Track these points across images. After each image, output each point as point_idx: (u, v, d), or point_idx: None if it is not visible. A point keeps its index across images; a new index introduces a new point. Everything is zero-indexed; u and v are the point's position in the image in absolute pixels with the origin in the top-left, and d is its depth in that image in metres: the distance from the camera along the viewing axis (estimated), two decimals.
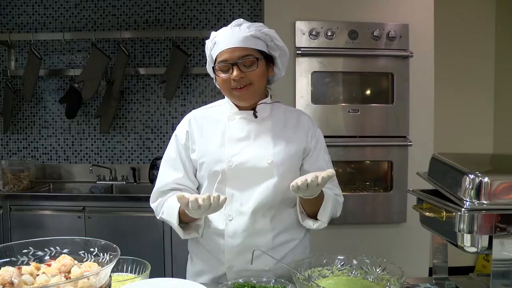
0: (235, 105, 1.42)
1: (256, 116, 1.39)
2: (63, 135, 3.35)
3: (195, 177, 1.45)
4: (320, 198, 1.33)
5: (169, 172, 1.43)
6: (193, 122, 1.44)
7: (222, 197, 1.18)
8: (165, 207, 1.39)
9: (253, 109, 1.40)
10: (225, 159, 1.35)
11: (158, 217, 1.43)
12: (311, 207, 1.36)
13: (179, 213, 1.32)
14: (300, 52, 2.53)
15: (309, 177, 1.18)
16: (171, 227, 2.64)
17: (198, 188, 1.46)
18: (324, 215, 1.36)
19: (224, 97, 1.47)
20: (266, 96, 1.44)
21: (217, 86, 1.48)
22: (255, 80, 1.34)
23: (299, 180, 1.18)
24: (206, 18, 3.27)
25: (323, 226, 1.37)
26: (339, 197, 1.46)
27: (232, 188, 1.35)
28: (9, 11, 3.30)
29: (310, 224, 1.37)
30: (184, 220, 1.35)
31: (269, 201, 1.35)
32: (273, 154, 1.35)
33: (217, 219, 1.38)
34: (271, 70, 1.42)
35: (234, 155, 1.35)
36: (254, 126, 1.39)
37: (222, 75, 1.34)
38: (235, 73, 1.31)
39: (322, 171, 1.21)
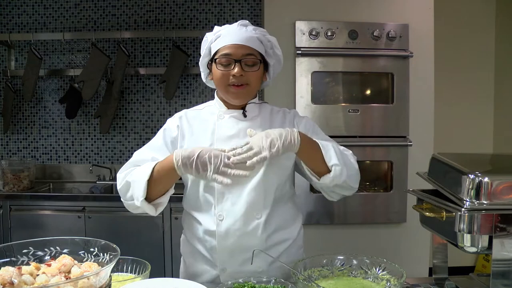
0: (225, 104, 1.42)
1: (245, 116, 1.40)
2: (63, 135, 3.35)
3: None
4: (317, 148, 1.28)
5: (149, 152, 1.39)
6: (184, 120, 1.44)
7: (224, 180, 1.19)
8: (137, 169, 1.33)
9: (242, 108, 1.41)
10: None
11: (119, 187, 1.34)
12: (316, 161, 1.28)
13: (152, 172, 1.27)
14: (300, 52, 2.53)
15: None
16: (171, 227, 2.67)
17: (184, 189, 1.45)
18: (332, 158, 1.27)
19: (213, 98, 1.47)
20: (255, 97, 1.45)
21: (205, 82, 1.50)
22: (252, 81, 1.35)
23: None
24: (206, 18, 3.27)
25: (339, 170, 1.26)
26: (344, 150, 1.38)
27: (222, 187, 1.34)
28: (9, 11, 3.30)
29: (328, 177, 1.27)
30: (152, 186, 1.28)
31: (261, 199, 1.34)
32: None
33: (207, 219, 1.37)
34: (265, 76, 1.44)
35: None
36: (243, 125, 1.39)
37: (222, 69, 1.34)
38: (236, 69, 1.31)
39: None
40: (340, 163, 1.27)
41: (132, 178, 1.31)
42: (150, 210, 1.30)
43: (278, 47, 1.42)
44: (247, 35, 1.34)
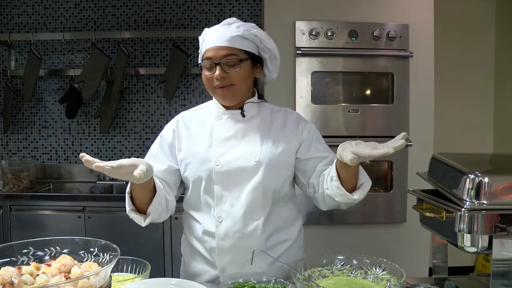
0: (222, 105, 1.41)
1: (243, 115, 1.39)
2: (63, 135, 3.35)
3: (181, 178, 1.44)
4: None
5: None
6: (181, 123, 1.44)
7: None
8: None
9: (241, 108, 1.40)
10: (212, 159, 1.35)
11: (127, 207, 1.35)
12: (353, 175, 1.27)
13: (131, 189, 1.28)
14: (300, 52, 2.52)
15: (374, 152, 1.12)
16: (171, 227, 2.67)
17: (185, 190, 1.45)
18: (365, 174, 1.30)
19: (212, 98, 1.47)
20: (253, 96, 1.44)
21: None
22: (236, 82, 1.34)
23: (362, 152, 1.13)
24: (206, 18, 3.27)
25: (368, 186, 1.29)
26: None
27: (221, 188, 1.34)
28: (9, 11, 3.30)
29: (359, 193, 1.27)
30: (133, 195, 1.29)
31: (260, 201, 1.34)
32: (260, 152, 1.35)
33: (207, 220, 1.37)
34: (258, 71, 1.42)
35: (221, 155, 1.35)
36: (241, 125, 1.39)
37: (206, 73, 1.35)
38: (217, 72, 1.31)
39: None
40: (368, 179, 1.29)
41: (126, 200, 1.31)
42: (138, 220, 1.30)
43: (267, 41, 1.39)
44: (227, 35, 1.32)
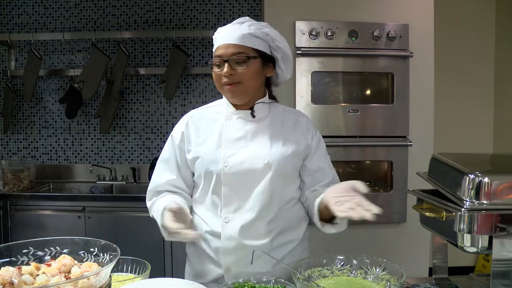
0: (233, 104, 1.41)
1: (253, 116, 1.39)
2: (63, 135, 3.35)
3: (192, 178, 1.45)
4: None
5: (163, 173, 1.44)
6: (191, 123, 1.44)
7: (194, 234, 1.22)
8: (155, 206, 1.39)
9: (251, 108, 1.40)
10: (221, 160, 1.34)
11: (150, 215, 1.44)
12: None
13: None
14: (300, 52, 2.52)
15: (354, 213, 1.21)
16: None
17: (194, 189, 1.46)
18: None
19: (222, 97, 1.47)
20: (264, 96, 1.43)
21: None
22: (244, 79, 1.33)
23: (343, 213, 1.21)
24: (206, 18, 3.27)
25: (345, 227, 1.35)
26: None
27: (229, 190, 1.34)
28: (9, 11, 3.30)
29: (331, 229, 1.34)
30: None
31: (267, 202, 1.33)
32: (269, 154, 1.34)
33: (213, 220, 1.37)
34: (270, 70, 1.41)
35: (230, 156, 1.35)
36: (251, 126, 1.38)
37: (216, 70, 1.35)
38: (225, 69, 1.32)
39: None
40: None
41: (155, 216, 1.37)
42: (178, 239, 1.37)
43: (279, 40, 1.38)
44: (238, 33, 1.33)
